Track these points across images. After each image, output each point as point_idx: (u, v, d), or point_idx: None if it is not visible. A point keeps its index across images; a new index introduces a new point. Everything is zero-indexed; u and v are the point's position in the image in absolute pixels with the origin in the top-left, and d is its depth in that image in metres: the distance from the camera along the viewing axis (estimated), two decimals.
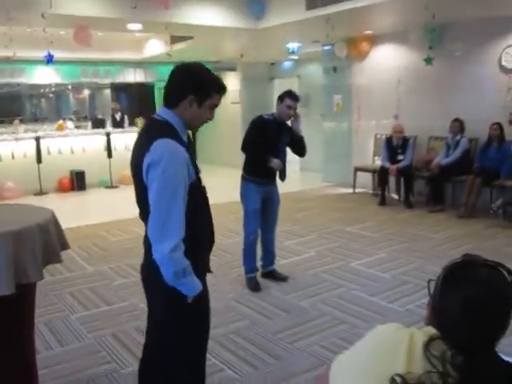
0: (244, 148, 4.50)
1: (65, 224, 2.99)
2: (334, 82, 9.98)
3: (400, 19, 7.67)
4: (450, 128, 7.56)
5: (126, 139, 10.47)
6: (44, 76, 11.75)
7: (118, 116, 11.47)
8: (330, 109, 10.20)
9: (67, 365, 3.32)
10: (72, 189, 10.02)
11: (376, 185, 8.70)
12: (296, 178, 10.76)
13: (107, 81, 12.95)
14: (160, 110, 2.08)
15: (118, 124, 11.32)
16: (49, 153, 9.93)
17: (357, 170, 9.08)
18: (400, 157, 8.07)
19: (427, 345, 1.10)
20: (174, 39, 9.73)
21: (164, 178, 1.87)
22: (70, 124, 11.35)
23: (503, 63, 7.34)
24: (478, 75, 7.65)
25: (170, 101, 2.05)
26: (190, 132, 2.18)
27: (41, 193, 9.65)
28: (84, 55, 10.60)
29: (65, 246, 2.76)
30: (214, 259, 5.51)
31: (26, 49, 9.88)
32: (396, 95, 8.83)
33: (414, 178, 8.11)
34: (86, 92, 13.97)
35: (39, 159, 9.62)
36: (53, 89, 13.52)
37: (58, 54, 8.17)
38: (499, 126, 7.08)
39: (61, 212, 3.23)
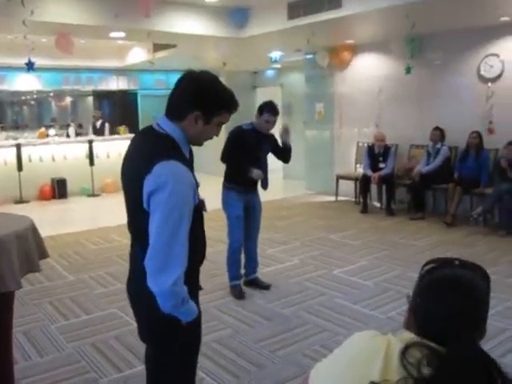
0: (223, 159, 4.51)
1: (45, 232, 2.96)
2: (316, 91, 10.05)
3: (381, 29, 7.76)
4: (430, 136, 7.65)
5: (108, 147, 10.42)
6: (25, 83, 11.65)
7: (98, 124, 11.38)
8: (312, 117, 10.26)
9: (46, 375, 3.27)
10: (53, 197, 9.92)
11: (358, 193, 8.75)
12: (279, 185, 10.78)
13: (89, 88, 12.88)
14: (160, 120, 1.87)
15: (97, 131, 11.23)
16: (30, 160, 9.81)
17: (339, 177, 9.13)
18: (381, 165, 8.14)
19: (404, 352, 1.11)
20: (157, 47, 9.73)
21: (169, 208, 1.69)
22: (51, 131, 11.26)
23: (482, 73, 7.46)
24: (458, 84, 7.76)
25: (174, 112, 1.84)
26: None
27: (21, 201, 9.53)
28: (66, 62, 10.54)
29: (44, 254, 2.74)
30: None
31: (7, 55, 9.82)
32: (377, 104, 8.92)
33: (396, 185, 8.18)
34: (68, 99, 13.89)
35: (20, 167, 9.51)
36: (34, 96, 13.43)
37: (39, 61, 8.11)
38: (478, 134, 7.18)
39: (41, 220, 3.20)
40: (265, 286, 4.80)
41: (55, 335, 3.88)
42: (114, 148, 10.23)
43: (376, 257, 5.79)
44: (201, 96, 1.82)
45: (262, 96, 12.94)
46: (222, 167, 4.64)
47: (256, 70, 13.10)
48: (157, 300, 1.73)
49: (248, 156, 4.40)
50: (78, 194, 10.18)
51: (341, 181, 9.10)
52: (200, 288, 2.13)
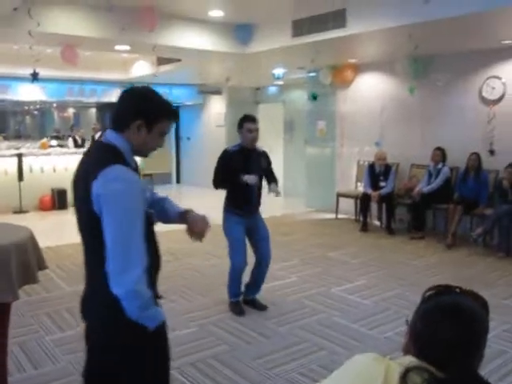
0: (214, 184, 4.45)
1: (44, 243, 2.95)
2: (318, 109, 10.08)
3: (384, 49, 7.81)
4: (432, 156, 7.67)
5: None
6: (29, 93, 11.68)
7: (97, 135, 11.36)
8: (314, 134, 10.27)
9: None
10: (53, 207, 9.92)
11: (358, 211, 8.74)
12: (279, 202, 10.76)
13: (93, 100, 12.94)
14: (107, 133, 1.94)
15: None
16: (31, 170, 9.83)
17: (339, 195, 9.13)
18: (382, 183, 8.14)
19: (404, 376, 1.10)
20: (162, 61, 9.78)
21: (121, 209, 1.74)
22: (53, 142, 11.27)
23: (484, 94, 7.49)
24: (460, 105, 7.80)
25: (118, 124, 1.92)
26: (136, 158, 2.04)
27: (21, 211, 9.52)
28: (70, 74, 10.57)
29: (43, 265, 2.72)
30: (192, 282, 5.47)
31: (12, 65, 9.86)
32: (379, 123, 8.95)
33: (396, 204, 8.17)
34: (71, 111, 13.94)
35: (21, 177, 9.52)
36: (37, 106, 13.48)
37: (43, 72, 8.16)
38: (477, 156, 7.20)
39: (40, 231, 3.19)
40: (262, 307, 4.71)
41: (50, 347, 3.85)
42: None
43: (375, 276, 5.77)
44: (142, 105, 1.91)
45: (264, 112, 13.02)
46: None
47: (258, 86, 13.16)
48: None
49: (237, 177, 4.31)
50: None
51: (341, 199, 9.10)
52: (158, 297, 2.09)
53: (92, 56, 10.05)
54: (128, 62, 11.47)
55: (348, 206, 9.05)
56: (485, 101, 7.51)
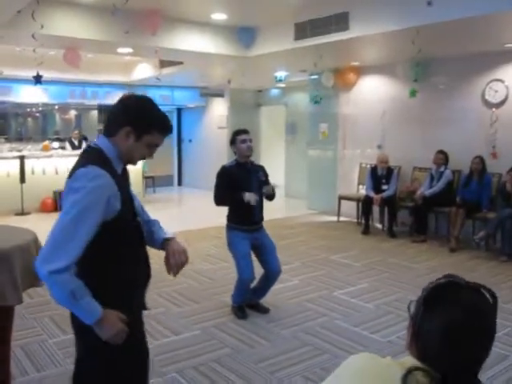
0: (216, 201, 4.46)
1: None
2: (320, 111, 10.07)
3: (387, 52, 7.81)
4: (434, 159, 7.66)
5: None
6: (31, 95, 11.68)
7: (76, 142, 11.39)
8: (316, 137, 10.28)
9: None
10: (55, 209, 9.91)
11: (360, 214, 8.74)
12: (281, 204, 10.77)
13: (94, 102, 12.94)
14: (98, 138, 1.99)
15: None
16: (33, 173, 9.84)
17: (341, 198, 9.13)
18: (384, 186, 8.14)
19: (405, 378, 1.09)
20: (164, 63, 9.79)
21: (73, 203, 1.77)
22: (55, 144, 11.27)
23: (486, 97, 7.49)
24: (462, 109, 7.80)
25: (108, 129, 1.96)
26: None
27: (22, 213, 9.53)
28: (72, 76, 10.58)
29: None
30: (195, 285, 5.47)
31: (14, 67, 9.87)
32: (381, 125, 8.95)
33: (398, 207, 8.16)
34: (73, 113, 13.94)
35: (22, 179, 9.53)
36: (39, 108, 13.48)
37: (46, 74, 8.16)
38: (481, 159, 7.19)
39: (43, 233, 3.18)
40: (264, 309, 4.71)
41: (53, 350, 3.84)
42: None
43: (377, 279, 5.76)
44: (132, 112, 1.92)
45: (266, 114, 13.04)
46: None
47: (261, 89, 13.17)
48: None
49: (238, 195, 4.30)
50: None
51: (343, 201, 9.09)
52: (145, 308, 2.13)
53: (94, 58, 10.06)
54: (130, 65, 11.49)
55: (350, 209, 9.05)
56: (487, 104, 7.50)
